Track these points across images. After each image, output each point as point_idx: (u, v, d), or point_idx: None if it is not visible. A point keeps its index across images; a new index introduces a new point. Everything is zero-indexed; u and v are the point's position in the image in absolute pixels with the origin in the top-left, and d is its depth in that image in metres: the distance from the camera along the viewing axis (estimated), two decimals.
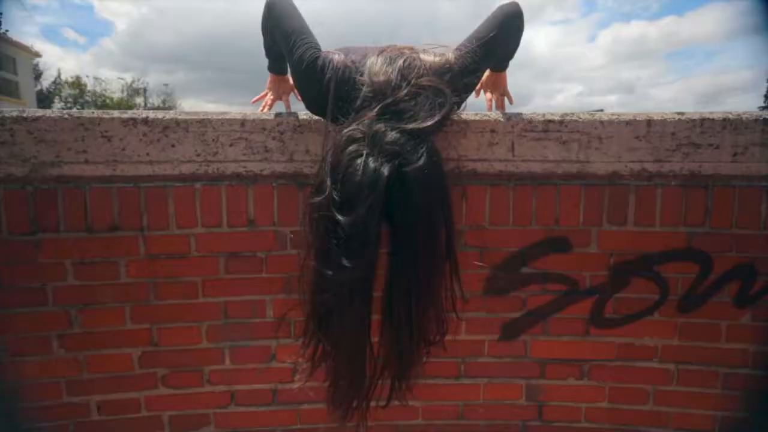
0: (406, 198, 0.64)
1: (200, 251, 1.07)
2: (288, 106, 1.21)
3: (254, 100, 1.25)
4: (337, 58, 0.83)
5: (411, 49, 0.83)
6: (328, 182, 0.66)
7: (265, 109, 1.20)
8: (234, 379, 1.13)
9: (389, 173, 0.63)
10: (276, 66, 1.15)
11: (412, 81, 0.72)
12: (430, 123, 0.69)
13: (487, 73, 1.12)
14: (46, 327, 1.06)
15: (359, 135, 0.66)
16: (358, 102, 0.73)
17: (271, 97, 1.23)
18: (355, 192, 0.63)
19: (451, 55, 0.83)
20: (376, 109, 0.69)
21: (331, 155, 0.68)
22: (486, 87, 1.22)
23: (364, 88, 0.73)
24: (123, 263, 1.06)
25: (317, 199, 0.66)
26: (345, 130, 0.69)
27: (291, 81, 1.15)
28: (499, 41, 0.90)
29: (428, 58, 0.81)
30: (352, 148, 0.65)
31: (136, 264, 1.06)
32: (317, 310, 0.72)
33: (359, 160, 0.63)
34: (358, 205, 0.62)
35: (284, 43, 0.90)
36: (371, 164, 0.63)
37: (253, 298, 1.10)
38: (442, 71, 0.79)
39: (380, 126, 0.66)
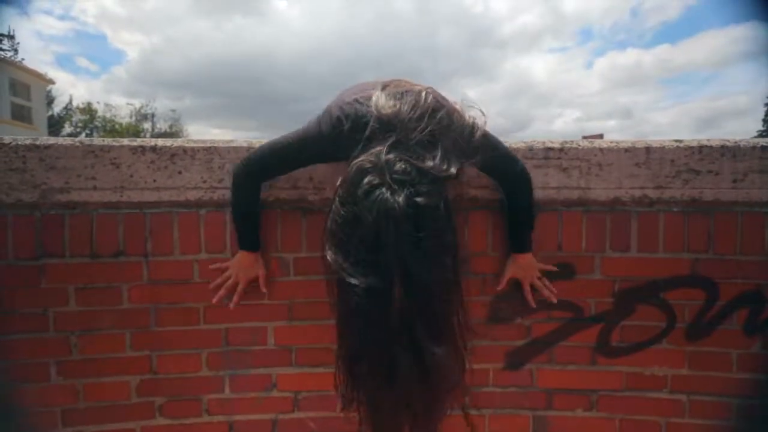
0: (420, 229, 0.62)
1: (203, 277, 1.07)
2: (239, 297, 1.05)
3: (213, 286, 1.05)
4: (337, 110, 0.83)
5: (428, 88, 0.80)
6: (341, 212, 0.64)
7: (235, 299, 1.05)
8: (233, 409, 1.10)
9: (404, 202, 0.62)
10: (250, 239, 1.01)
11: (430, 125, 0.71)
12: (447, 173, 0.67)
13: (510, 260, 1.05)
14: (46, 353, 1.05)
15: (368, 165, 0.66)
16: (367, 132, 0.73)
17: (241, 281, 1.04)
18: (373, 224, 0.61)
19: (481, 123, 0.79)
20: (388, 143, 0.68)
21: (341, 188, 0.67)
22: (513, 273, 1.05)
23: (372, 121, 0.74)
24: (125, 288, 1.06)
25: (334, 242, 0.64)
26: (354, 162, 0.68)
27: (262, 268, 1.05)
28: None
29: (456, 110, 0.77)
30: (364, 179, 0.64)
31: (139, 289, 1.06)
32: (346, 351, 0.69)
33: (375, 192, 0.63)
34: (378, 238, 0.60)
35: (293, 147, 0.89)
36: (386, 193, 0.62)
37: (255, 324, 1.09)
38: (464, 130, 0.75)
39: (390, 156, 0.66)
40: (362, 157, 0.68)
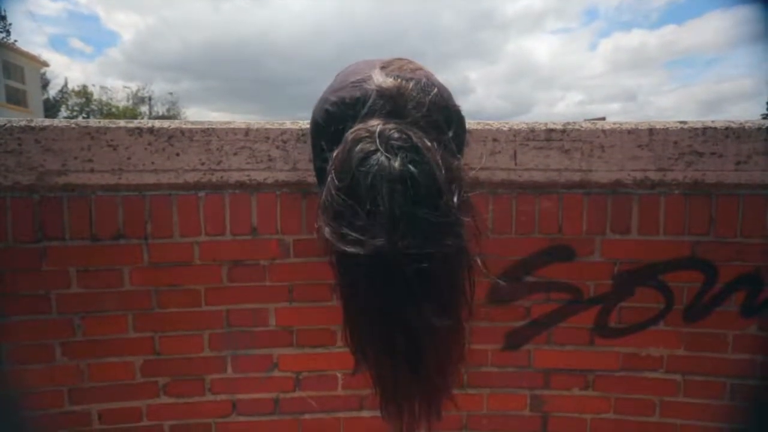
0: (416, 195, 0.60)
1: (203, 259, 1.07)
2: None
3: None
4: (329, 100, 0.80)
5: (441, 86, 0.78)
6: (336, 182, 0.62)
7: None
8: (236, 388, 1.12)
9: (400, 166, 0.60)
10: None
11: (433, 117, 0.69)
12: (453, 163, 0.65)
13: None
14: (49, 335, 1.06)
15: (364, 134, 0.64)
16: (365, 110, 0.71)
17: None
18: (369, 188, 0.59)
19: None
20: (385, 111, 0.67)
21: (337, 159, 0.65)
22: None
23: (373, 97, 0.71)
24: (126, 271, 1.06)
25: (327, 214, 0.62)
26: (349, 132, 0.66)
27: None
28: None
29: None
30: (359, 146, 0.62)
31: (140, 272, 1.06)
32: (351, 324, 0.68)
33: (371, 157, 0.61)
34: (375, 203, 0.58)
35: (317, 158, 0.83)
36: (381, 157, 0.60)
37: (256, 306, 1.10)
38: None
39: (387, 126, 0.64)
40: (357, 127, 0.66)
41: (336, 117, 0.77)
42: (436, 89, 0.74)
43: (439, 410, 0.72)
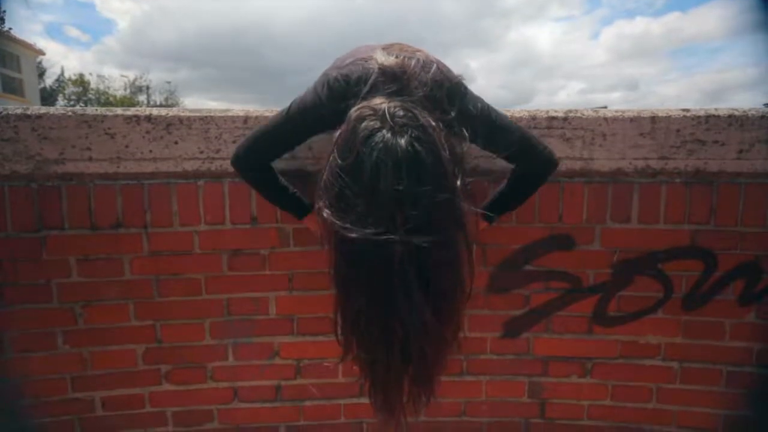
0: (420, 176, 0.58)
1: (203, 248, 1.07)
2: None
3: None
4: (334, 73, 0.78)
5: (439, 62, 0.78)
6: (339, 161, 0.60)
7: None
8: (237, 376, 1.13)
9: (406, 145, 0.58)
10: (296, 207, 0.96)
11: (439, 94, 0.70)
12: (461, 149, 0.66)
13: None
14: (51, 323, 1.06)
15: (368, 112, 0.63)
16: (367, 87, 0.70)
17: None
18: (373, 166, 0.57)
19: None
20: (390, 90, 0.67)
21: (340, 138, 0.63)
22: None
23: (375, 75, 0.71)
24: (127, 260, 1.06)
25: (328, 195, 0.61)
26: (353, 110, 0.65)
27: None
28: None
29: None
30: (364, 124, 0.61)
31: (140, 261, 1.06)
32: (347, 310, 0.66)
33: (376, 135, 0.59)
34: (378, 183, 0.57)
35: (294, 119, 0.82)
36: (387, 134, 0.59)
37: (256, 295, 1.10)
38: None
39: (392, 104, 0.63)
40: (361, 105, 0.65)
41: (337, 92, 0.75)
42: (435, 65, 0.74)
43: (428, 398, 0.72)
